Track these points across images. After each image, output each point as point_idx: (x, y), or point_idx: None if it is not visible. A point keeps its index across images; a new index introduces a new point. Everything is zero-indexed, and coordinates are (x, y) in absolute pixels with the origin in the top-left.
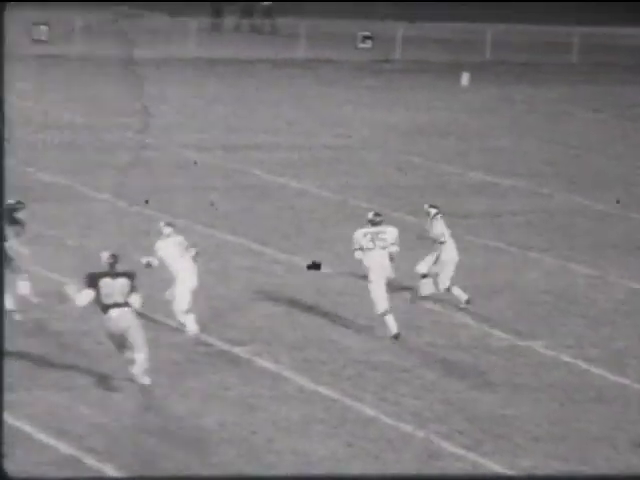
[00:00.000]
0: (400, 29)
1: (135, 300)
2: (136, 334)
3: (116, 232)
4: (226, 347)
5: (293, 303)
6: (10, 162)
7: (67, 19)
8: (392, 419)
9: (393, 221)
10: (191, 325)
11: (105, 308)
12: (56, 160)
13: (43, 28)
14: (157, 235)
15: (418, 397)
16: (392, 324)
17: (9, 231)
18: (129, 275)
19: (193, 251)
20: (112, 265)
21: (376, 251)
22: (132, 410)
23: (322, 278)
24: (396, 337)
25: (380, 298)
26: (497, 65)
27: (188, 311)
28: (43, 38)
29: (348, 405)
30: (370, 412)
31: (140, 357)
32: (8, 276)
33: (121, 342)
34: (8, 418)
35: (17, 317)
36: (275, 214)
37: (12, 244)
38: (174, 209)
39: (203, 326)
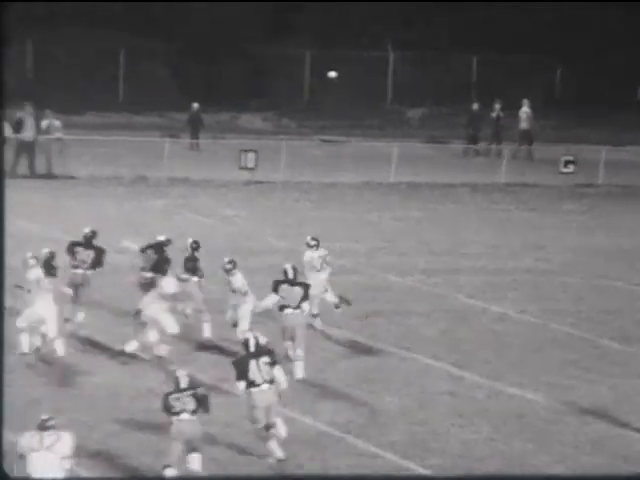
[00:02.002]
0: (603, 153)
1: (305, 307)
2: (301, 332)
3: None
4: (427, 473)
5: (495, 429)
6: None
7: (275, 147)
8: None
9: (599, 348)
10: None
11: (281, 308)
12: (264, 288)
13: (250, 155)
14: None
15: None
16: None
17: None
18: (305, 285)
19: None
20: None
21: None
22: None
23: (525, 404)
24: None
25: None
26: None
27: None
28: (250, 165)
29: None
30: None
31: (300, 353)
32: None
33: (291, 336)
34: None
35: None
36: (475, 338)
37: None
38: (374, 332)
39: (403, 452)
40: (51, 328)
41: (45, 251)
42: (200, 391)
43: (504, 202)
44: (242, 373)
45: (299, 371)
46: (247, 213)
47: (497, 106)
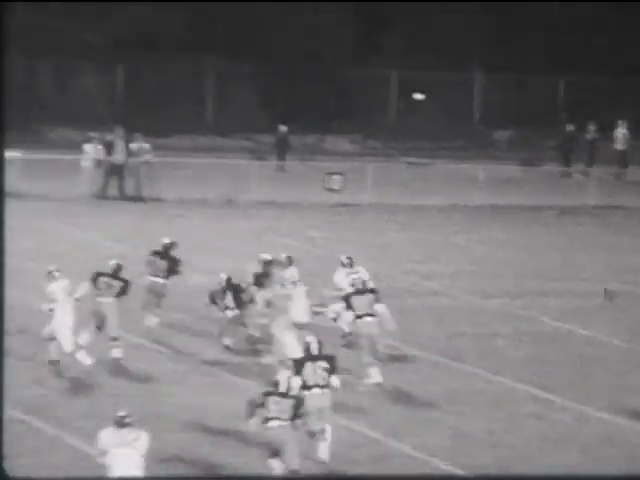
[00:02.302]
0: None
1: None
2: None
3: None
4: None
5: (583, 454)
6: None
7: (361, 169)
8: None
9: None
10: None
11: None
12: None
13: (337, 177)
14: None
15: None
16: None
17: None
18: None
19: None
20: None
21: None
22: None
23: (614, 428)
24: None
25: None
26: None
27: None
28: (336, 187)
29: None
30: None
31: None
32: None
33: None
34: None
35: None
36: (562, 361)
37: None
38: (460, 353)
39: (488, 476)
40: (65, 343)
41: (113, 262)
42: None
43: (591, 224)
44: (297, 372)
45: (377, 377)
46: (333, 235)
47: (592, 128)
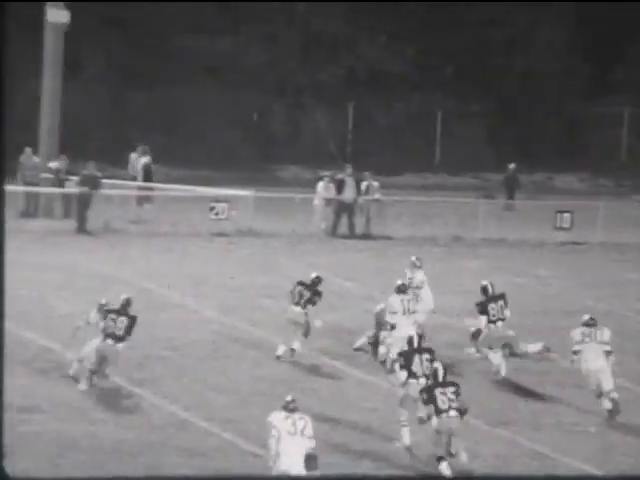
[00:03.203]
0: None
1: None
2: None
3: None
4: None
5: None
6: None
7: (591, 207)
8: None
9: None
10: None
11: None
12: None
13: (566, 216)
14: None
15: None
16: None
17: None
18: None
19: None
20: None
21: None
22: None
23: None
24: None
25: None
26: None
27: None
28: (565, 226)
29: None
30: None
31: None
32: None
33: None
34: None
35: None
36: None
37: None
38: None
39: None
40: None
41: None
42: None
43: None
44: (406, 364)
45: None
46: (562, 274)
47: None
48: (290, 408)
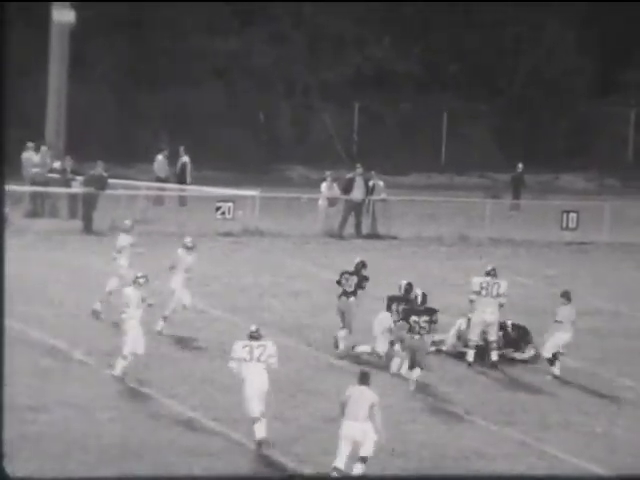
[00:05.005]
0: None
1: None
2: None
3: None
4: None
5: None
6: None
7: (597, 207)
8: None
9: None
10: None
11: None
12: (583, 346)
13: (572, 216)
14: None
15: None
16: None
17: None
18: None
19: None
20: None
21: None
22: None
23: None
24: None
25: None
26: None
27: None
28: (572, 226)
29: None
30: None
31: None
32: None
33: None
34: None
35: None
36: None
37: None
38: None
39: None
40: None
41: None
42: None
43: None
44: (406, 318)
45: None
46: (569, 274)
47: None
48: (252, 336)
